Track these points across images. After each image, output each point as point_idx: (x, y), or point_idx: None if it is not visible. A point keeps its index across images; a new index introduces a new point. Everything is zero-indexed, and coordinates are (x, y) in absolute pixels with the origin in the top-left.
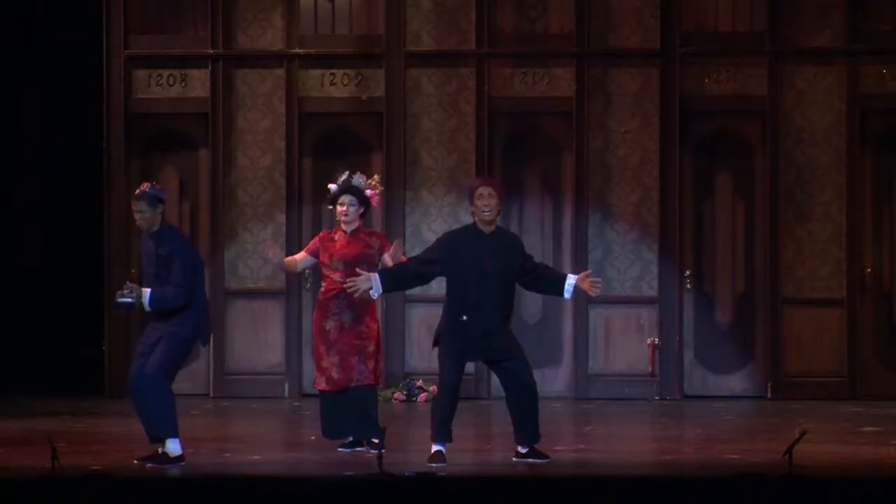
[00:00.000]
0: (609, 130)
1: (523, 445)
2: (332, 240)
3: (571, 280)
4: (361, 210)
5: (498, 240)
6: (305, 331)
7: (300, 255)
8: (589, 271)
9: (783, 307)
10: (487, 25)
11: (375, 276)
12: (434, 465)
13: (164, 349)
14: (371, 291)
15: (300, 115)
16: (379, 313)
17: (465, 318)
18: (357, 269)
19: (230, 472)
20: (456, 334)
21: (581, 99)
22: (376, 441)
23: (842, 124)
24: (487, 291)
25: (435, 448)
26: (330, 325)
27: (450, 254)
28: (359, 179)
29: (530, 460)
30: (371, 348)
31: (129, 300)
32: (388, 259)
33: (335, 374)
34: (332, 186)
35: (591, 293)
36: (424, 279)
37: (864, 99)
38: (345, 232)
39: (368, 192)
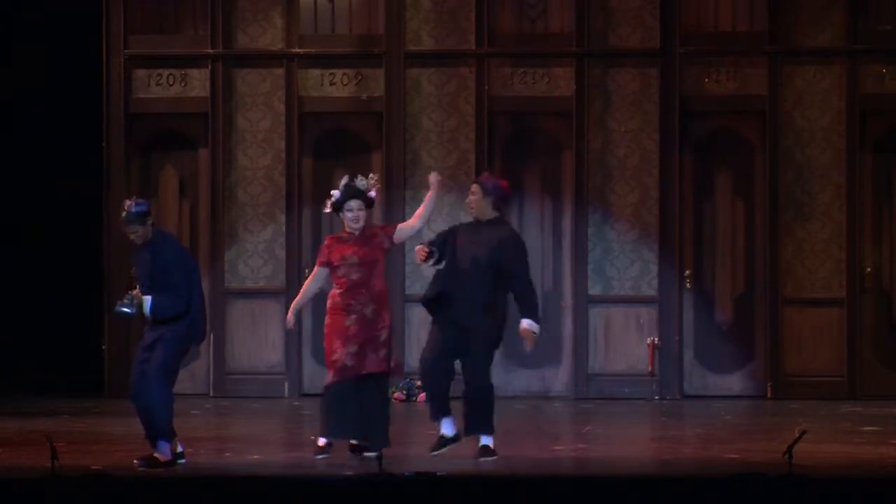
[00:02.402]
0: (609, 130)
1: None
2: (341, 240)
3: (522, 324)
4: (369, 212)
5: (489, 231)
6: (305, 330)
7: (314, 276)
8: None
9: (783, 307)
10: (487, 25)
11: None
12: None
13: (163, 349)
14: (433, 258)
15: (300, 114)
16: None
17: (445, 291)
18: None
19: (230, 472)
20: (437, 307)
21: (581, 99)
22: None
23: (841, 124)
24: (464, 278)
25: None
26: (351, 319)
27: (446, 236)
28: (362, 181)
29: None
30: (383, 337)
31: (129, 310)
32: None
33: (349, 362)
34: (335, 193)
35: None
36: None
37: (864, 99)
38: (352, 233)
39: (372, 192)
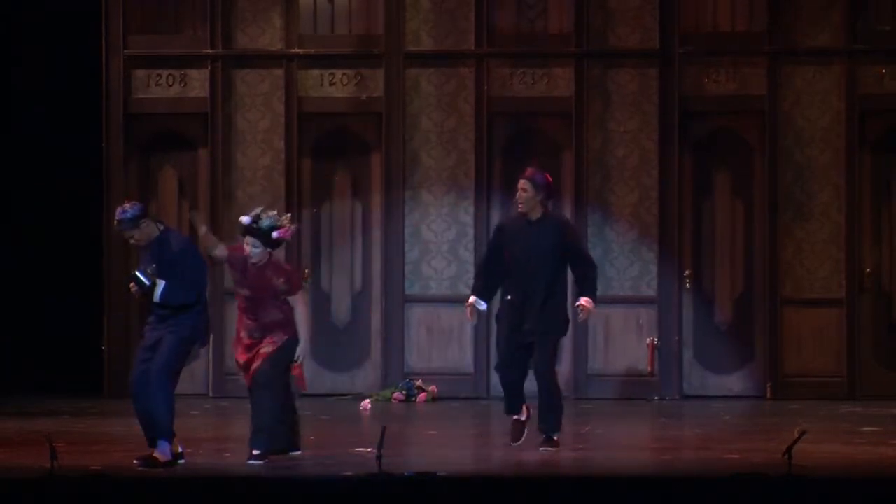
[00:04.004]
0: (608, 130)
1: (539, 432)
2: (245, 265)
3: (583, 300)
4: (268, 251)
5: (541, 226)
6: None
7: (221, 246)
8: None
9: (782, 307)
10: (486, 25)
11: (476, 299)
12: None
13: (166, 349)
14: (482, 311)
15: (299, 115)
16: (378, 313)
17: (509, 297)
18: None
19: (230, 472)
20: (503, 312)
21: (580, 99)
22: (256, 452)
23: (841, 124)
24: (529, 274)
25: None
26: (244, 334)
27: (499, 237)
28: (267, 220)
29: (540, 448)
30: (268, 350)
31: (145, 279)
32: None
33: (242, 373)
34: (244, 219)
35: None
36: (503, 267)
37: (863, 99)
38: (254, 264)
39: (276, 233)
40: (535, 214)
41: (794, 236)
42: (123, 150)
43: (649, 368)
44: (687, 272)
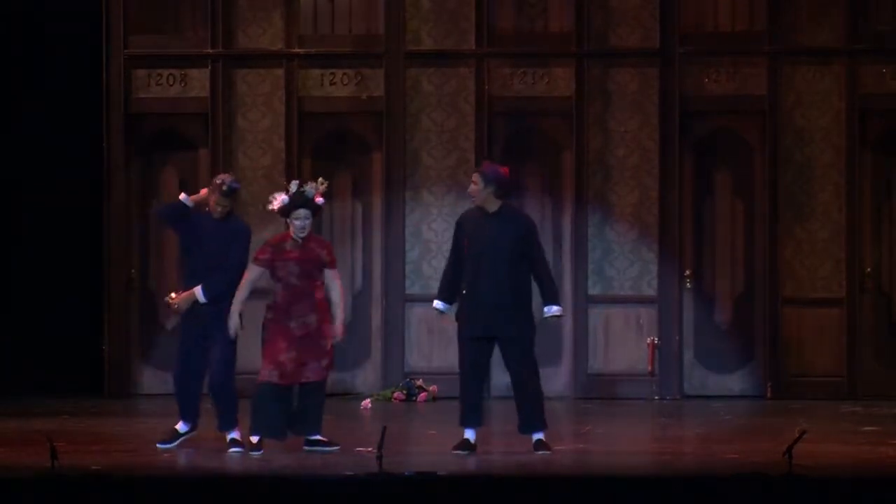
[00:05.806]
0: (608, 130)
1: (523, 434)
2: (284, 250)
3: (546, 311)
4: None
5: (499, 218)
6: None
7: (253, 275)
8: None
9: (783, 307)
10: (487, 25)
11: (437, 303)
12: (458, 451)
13: (224, 349)
14: (445, 312)
15: (300, 114)
16: (378, 312)
17: (464, 291)
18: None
19: (230, 472)
20: (462, 310)
21: (580, 99)
22: (320, 438)
23: (841, 124)
24: (485, 267)
25: (465, 435)
26: (294, 324)
27: (458, 233)
28: (310, 189)
29: (538, 452)
30: (327, 347)
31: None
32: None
33: (289, 367)
34: (283, 197)
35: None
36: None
37: (864, 98)
38: (295, 240)
39: (319, 199)
40: (492, 207)
41: (795, 236)
42: (124, 150)
43: (649, 368)
44: (687, 272)
